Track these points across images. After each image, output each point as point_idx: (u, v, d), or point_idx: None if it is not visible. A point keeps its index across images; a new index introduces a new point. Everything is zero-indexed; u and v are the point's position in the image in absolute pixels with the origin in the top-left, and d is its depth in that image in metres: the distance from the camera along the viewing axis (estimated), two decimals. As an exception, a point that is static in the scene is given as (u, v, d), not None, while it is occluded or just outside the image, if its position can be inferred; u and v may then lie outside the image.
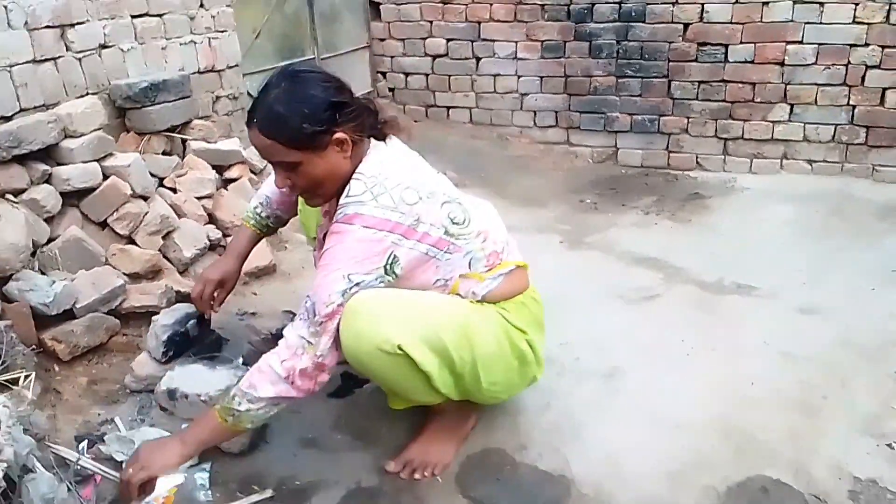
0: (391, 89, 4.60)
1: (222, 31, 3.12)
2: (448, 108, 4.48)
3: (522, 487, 1.67)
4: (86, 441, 1.73)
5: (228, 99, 3.21)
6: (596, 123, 4.09)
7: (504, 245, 1.74)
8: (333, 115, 1.47)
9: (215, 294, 1.91)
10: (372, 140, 1.58)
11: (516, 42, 4.12)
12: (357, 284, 1.47)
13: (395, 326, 1.45)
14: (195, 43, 2.99)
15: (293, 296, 2.46)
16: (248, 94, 3.45)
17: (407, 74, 4.51)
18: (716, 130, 3.85)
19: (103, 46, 2.60)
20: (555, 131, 4.24)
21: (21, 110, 2.32)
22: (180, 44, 2.92)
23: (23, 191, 2.19)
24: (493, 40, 4.17)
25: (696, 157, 3.95)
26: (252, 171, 3.04)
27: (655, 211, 3.41)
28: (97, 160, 2.36)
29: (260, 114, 1.48)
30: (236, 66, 3.26)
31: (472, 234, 1.62)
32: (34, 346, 1.95)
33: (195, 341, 2.02)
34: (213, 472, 1.71)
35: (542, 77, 4.15)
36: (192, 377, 1.77)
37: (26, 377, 1.57)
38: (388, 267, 1.50)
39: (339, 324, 1.48)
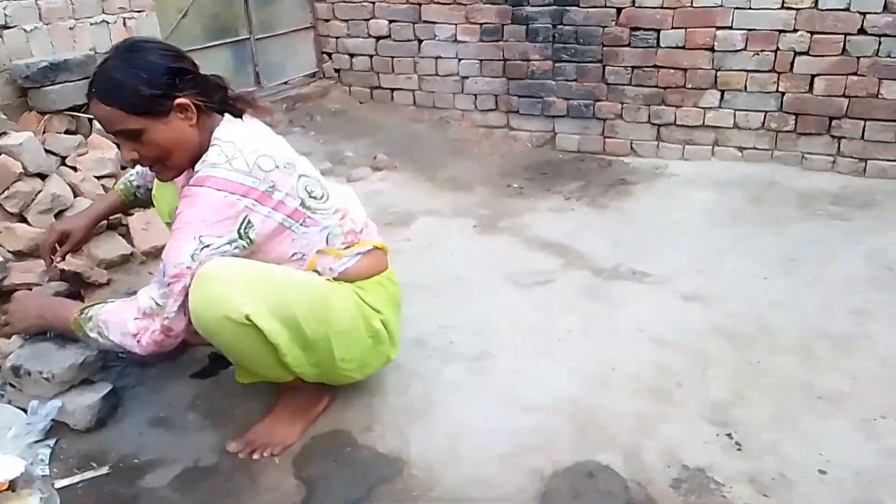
0: (336, 70, 4.59)
1: (139, 11, 3.11)
2: (392, 90, 4.46)
3: (356, 468, 1.69)
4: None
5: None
6: (534, 108, 4.08)
7: (363, 226, 1.77)
8: (173, 80, 1.49)
9: (58, 247, 1.95)
10: (227, 115, 1.60)
11: (456, 25, 4.09)
12: (207, 246, 1.47)
13: (245, 296, 1.46)
14: (108, 23, 2.98)
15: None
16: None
17: (352, 56, 4.49)
18: (649, 116, 3.83)
19: (4, 27, 2.60)
20: (495, 115, 4.22)
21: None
22: (91, 24, 2.92)
23: None
24: (434, 22, 4.14)
25: (631, 143, 3.93)
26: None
27: (577, 196, 3.40)
28: (-13, 138, 2.37)
29: (98, 84, 1.49)
30: (155, 45, 3.24)
31: (329, 210, 1.64)
32: None
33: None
34: (58, 447, 1.74)
35: (481, 60, 4.12)
36: (40, 355, 1.78)
37: None
38: (241, 231, 1.51)
39: (188, 289, 1.49)
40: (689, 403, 1.87)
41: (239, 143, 1.53)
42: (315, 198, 1.62)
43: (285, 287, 1.56)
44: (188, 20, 3.58)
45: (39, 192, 2.44)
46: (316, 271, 1.67)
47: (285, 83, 4.37)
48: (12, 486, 1.57)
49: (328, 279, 1.68)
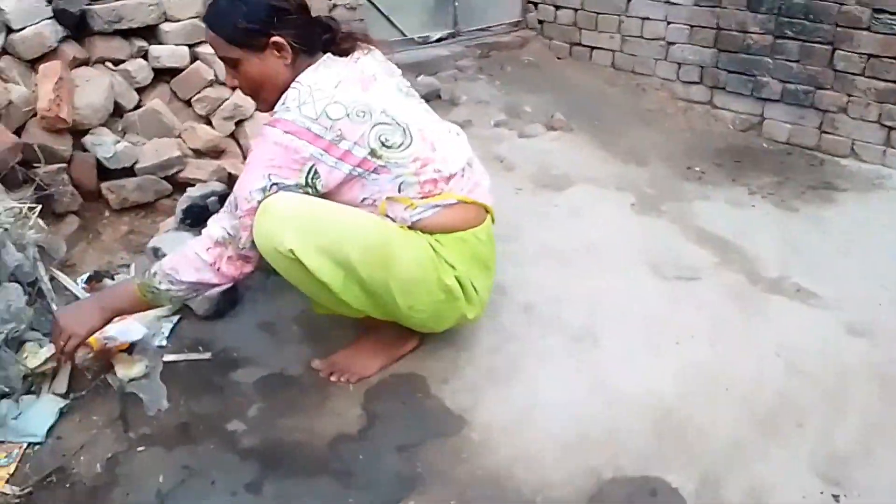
0: (540, 21, 4.45)
1: (350, -59, 3.24)
2: (592, 48, 4.23)
3: (418, 416, 1.69)
4: (88, 274, 2.06)
5: (345, 8, 3.36)
6: (744, 86, 3.64)
7: (451, 177, 1.68)
8: (271, 17, 1.53)
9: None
10: (328, 54, 1.62)
11: (671, -16, 3.75)
12: (276, 185, 1.53)
13: (294, 232, 1.49)
14: (317, -51, 3.13)
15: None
16: (373, 3, 3.58)
17: (557, 7, 4.31)
18: (880, 115, 3.24)
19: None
20: (698, 88, 3.84)
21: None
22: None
23: (122, 61, 2.53)
24: (648, -21, 3.83)
25: (853, 144, 3.37)
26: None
27: (765, 193, 3.01)
28: (189, 45, 2.64)
29: (209, 8, 1.60)
30: (358, -24, 3.38)
31: (405, 159, 1.60)
32: (94, 190, 2.32)
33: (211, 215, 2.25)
34: (178, 326, 1.96)
35: (692, 27, 3.75)
36: (177, 241, 1.99)
37: (31, 209, 1.87)
38: (308, 180, 1.54)
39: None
40: (802, 447, 1.61)
41: (315, 87, 1.53)
42: (388, 146, 1.57)
43: (341, 227, 1.55)
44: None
45: (225, 99, 2.68)
46: (388, 216, 1.65)
47: (483, 29, 4.33)
48: (130, 348, 1.79)
49: (401, 227, 1.65)
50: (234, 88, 1.68)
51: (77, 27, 2.41)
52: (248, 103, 2.73)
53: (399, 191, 1.62)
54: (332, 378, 1.79)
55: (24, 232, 1.75)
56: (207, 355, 1.85)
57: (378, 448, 1.59)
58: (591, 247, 2.49)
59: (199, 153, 2.58)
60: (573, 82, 4.12)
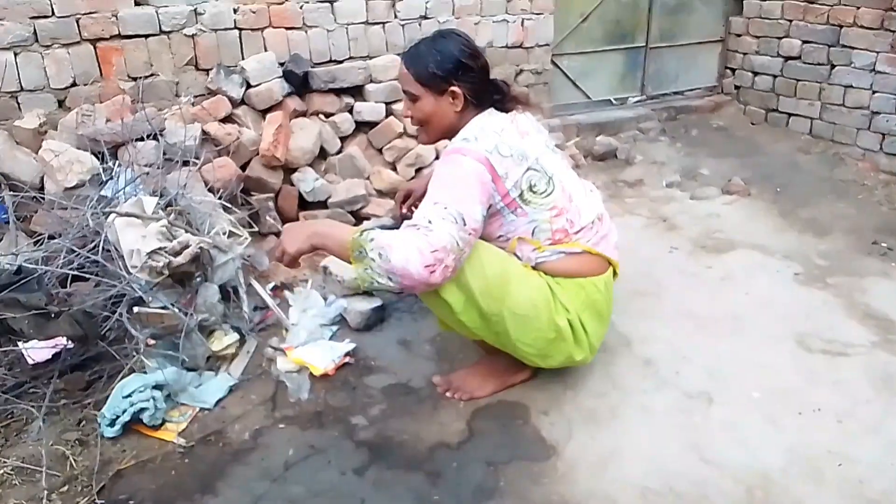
0: (737, 87, 4.41)
1: (538, 14, 3.56)
2: (789, 115, 4.10)
3: (513, 438, 1.84)
4: (274, 284, 2.52)
5: (531, 73, 3.66)
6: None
7: (581, 228, 1.85)
8: (456, 70, 1.77)
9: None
10: (491, 109, 1.86)
11: (878, 53, 3.54)
12: (482, 210, 1.71)
13: None
14: (507, 22, 3.50)
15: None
16: (560, 68, 3.84)
17: (755, 74, 4.25)
18: None
19: (423, 17, 3.31)
20: (905, 161, 3.55)
21: (350, 57, 3.18)
22: (493, 21, 3.47)
23: (332, 114, 3.07)
24: (853, 48, 3.65)
25: None
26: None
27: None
28: (386, 102, 3.11)
29: (410, 50, 1.85)
30: (546, 45, 3.67)
31: (544, 206, 1.79)
32: (293, 217, 2.83)
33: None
34: (336, 334, 2.32)
35: (901, 95, 3.50)
36: (339, 262, 2.37)
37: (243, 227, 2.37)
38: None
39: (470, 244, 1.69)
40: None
41: (484, 129, 1.77)
42: (534, 191, 1.77)
43: (472, 260, 1.72)
44: (588, 24, 3.91)
45: (410, 149, 3.10)
46: (516, 254, 1.84)
47: (676, 93, 4.38)
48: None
49: (525, 265, 1.83)
50: (405, 116, 1.95)
51: (300, 85, 2.98)
52: (427, 153, 3.13)
53: (532, 234, 1.82)
54: (448, 394, 2.01)
55: (234, 246, 2.23)
56: (350, 360, 2.18)
57: (469, 459, 1.77)
58: (736, 313, 2.44)
59: (381, 193, 3.01)
60: (763, 149, 4.00)
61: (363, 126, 3.13)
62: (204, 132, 2.70)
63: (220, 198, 2.50)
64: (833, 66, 3.79)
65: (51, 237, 2.05)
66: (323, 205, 2.87)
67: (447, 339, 2.29)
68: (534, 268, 1.85)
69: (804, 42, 3.90)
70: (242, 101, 2.91)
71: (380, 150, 3.15)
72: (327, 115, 3.06)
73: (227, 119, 2.84)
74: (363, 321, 2.32)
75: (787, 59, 4.02)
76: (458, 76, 1.78)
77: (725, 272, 2.76)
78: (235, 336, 2.15)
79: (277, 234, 2.77)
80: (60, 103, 2.68)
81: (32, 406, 1.81)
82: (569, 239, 1.84)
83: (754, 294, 2.59)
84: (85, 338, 1.75)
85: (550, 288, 1.83)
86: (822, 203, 3.44)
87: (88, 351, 1.80)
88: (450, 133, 1.85)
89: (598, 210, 1.94)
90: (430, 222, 1.66)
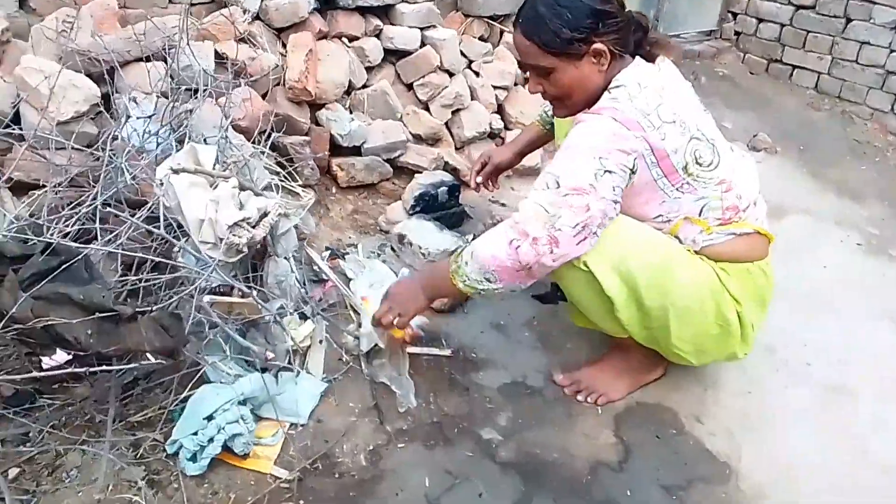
0: (737, 33, 4.21)
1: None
2: (794, 67, 3.97)
3: (678, 454, 1.59)
4: (329, 252, 2.06)
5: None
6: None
7: (749, 204, 1.58)
8: (596, 23, 1.41)
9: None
10: (637, 58, 1.52)
11: (904, 9, 3.44)
12: (608, 172, 1.41)
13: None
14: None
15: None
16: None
17: (760, 21, 4.07)
18: None
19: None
20: (915, 125, 3.53)
21: (376, -31, 2.64)
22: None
23: (356, 38, 2.54)
24: (874, 2, 3.53)
25: None
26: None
27: None
28: (421, 28, 2.62)
29: (524, 15, 1.46)
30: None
31: (713, 180, 1.50)
32: (324, 165, 2.34)
33: (441, 207, 2.22)
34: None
35: (922, 57, 3.44)
36: (422, 231, 1.97)
37: (306, 193, 1.88)
38: (630, 172, 1.44)
39: (588, 207, 1.40)
40: None
41: (643, 85, 1.44)
42: (700, 164, 1.48)
43: (636, 247, 1.48)
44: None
45: (446, 87, 2.65)
46: (677, 237, 1.55)
47: (677, 35, 4.13)
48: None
49: (688, 250, 1.55)
50: (534, 93, 1.57)
51: (326, 1, 2.42)
52: (467, 93, 2.69)
53: (700, 213, 1.52)
54: (580, 397, 1.72)
55: (297, 209, 1.76)
56: (448, 352, 1.81)
57: (640, 482, 1.51)
58: (819, 289, 2.31)
59: (418, 139, 2.56)
60: (772, 101, 3.87)
61: (389, 55, 2.62)
62: (218, 54, 2.12)
63: (252, 142, 1.98)
64: (849, 20, 3.66)
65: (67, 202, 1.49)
66: (356, 151, 2.39)
67: (546, 323, 1.98)
68: (696, 252, 1.56)
69: (822, -9, 3.74)
70: (257, 17, 2.32)
71: (409, 86, 2.67)
72: (350, 40, 2.53)
73: (241, 39, 2.25)
74: (448, 302, 1.94)
75: (800, 7, 3.85)
76: (599, 29, 1.42)
77: (788, 242, 2.59)
78: (309, 323, 1.71)
79: (312, 188, 2.27)
80: (21, 2, 2.00)
81: (89, 441, 1.32)
82: (738, 217, 1.56)
83: (830, 266, 2.46)
84: (174, 350, 1.27)
85: (718, 276, 1.55)
86: (844, 164, 3.38)
87: (178, 368, 1.31)
88: (596, 97, 1.49)
89: (756, 180, 1.67)
90: (557, 185, 1.42)
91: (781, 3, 3.94)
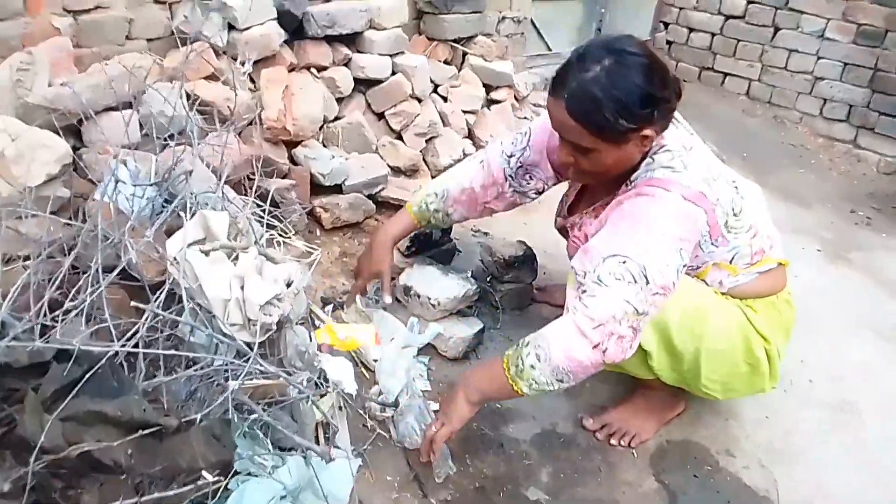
0: (669, 42, 4.34)
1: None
2: (725, 74, 4.14)
3: (720, 493, 1.60)
4: (327, 303, 1.94)
5: (513, 21, 3.23)
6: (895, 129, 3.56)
7: (771, 241, 1.59)
8: (651, 112, 1.32)
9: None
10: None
11: (828, 20, 3.64)
12: (685, 265, 1.37)
13: None
14: (500, -40, 3.01)
15: (524, 227, 2.48)
16: (532, 22, 3.45)
17: (691, 30, 4.21)
18: None
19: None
20: (842, 127, 3.76)
21: (340, -6, 2.51)
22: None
23: (325, 68, 2.40)
24: (802, 12, 3.73)
25: None
26: (516, 98, 3.08)
27: (943, 246, 2.94)
28: (391, 55, 2.52)
29: (573, 90, 1.31)
30: (528, -13, 3.25)
31: (743, 229, 1.49)
32: (305, 208, 2.20)
33: (435, 244, 2.14)
34: (429, 368, 1.84)
35: (846, 64, 3.66)
36: (427, 279, 1.89)
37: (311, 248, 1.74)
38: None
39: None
40: None
41: (687, 146, 1.42)
42: (736, 215, 1.46)
43: None
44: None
45: (418, 115, 2.56)
46: (704, 281, 1.55)
47: (617, 46, 4.21)
48: (396, 402, 1.67)
49: (715, 291, 1.56)
50: (566, 164, 1.46)
51: (294, 31, 2.28)
52: (439, 120, 2.62)
53: (731, 261, 1.52)
54: (612, 441, 1.69)
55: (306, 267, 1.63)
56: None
57: (695, 529, 1.50)
58: (798, 301, 2.37)
59: (396, 171, 2.46)
60: (709, 109, 4.01)
61: (360, 84, 2.51)
62: (189, 95, 1.95)
63: (240, 192, 1.83)
64: (778, 29, 3.85)
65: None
66: (337, 189, 2.26)
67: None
68: (723, 293, 1.57)
69: (750, 2, 3.90)
70: (224, 50, 2.15)
71: (380, 116, 2.56)
72: (319, 70, 2.40)
73: (210, 77, 2.08)
74: (464, 349, 1.87)
75: (729, 17, 4.02)
76: (654, 118, 1.33)
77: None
78: (331, 393, 1.59)
79: (299, 234, 2.13)
80: (-37, 49, 1.75)
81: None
82: (764, 256, 1.57)
83: (800, 276, 2.55)
84: (230, 462, 1.13)
85: (745, 315, 1.57)
86: (784, 170, 3.55)
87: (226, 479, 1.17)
88: (629, 172, 1.45)
89: (766, 207, 1.68)
90: (598, 281, 1.32)
91: (712, 13, 4.09)
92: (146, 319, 1.22)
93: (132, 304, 1.20)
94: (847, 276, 2.63)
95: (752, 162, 3.52)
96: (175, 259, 1.31)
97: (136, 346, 1.18)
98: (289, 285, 1.40)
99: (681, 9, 4.23)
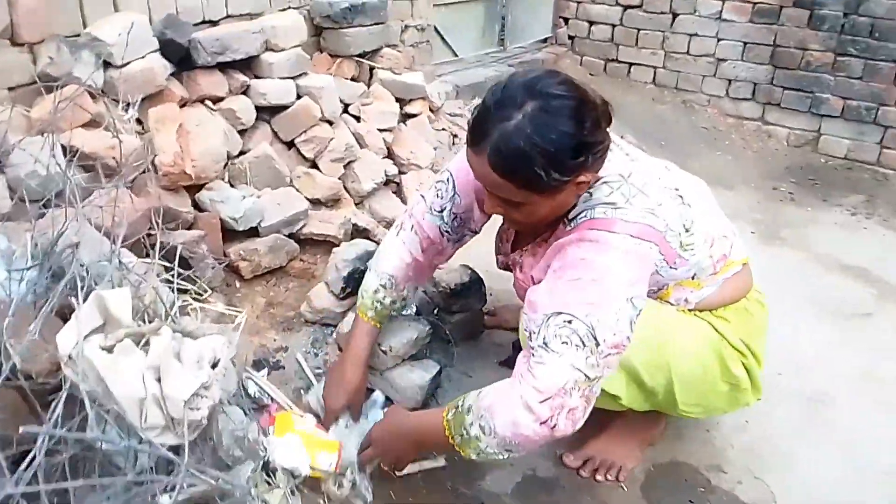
0: (571, 37, 4.30)
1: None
2: (630, 64, 4.13)
3: (719, 515, 1.49)
4: (260, 366, 1.71)
5: (416, 30, 3.07)
6: (801, 103, 3.63)
7: (729, 241, 1.46)
8: (585, 159, 1.17)
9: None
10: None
11: (724, 1, 3.69)
12: (639, 313, 1.22)
13: None
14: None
15: (469, 251, 2.31)
16: (435, 28, 3.31)
17: (591, 23, 4.18)
18: (948, 132, 3.32)
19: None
20: (749, 105, 3.81)
21: (227, 16, 2.27)
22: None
23: (221, 99, 2.16)
24: (697, -4, 3.77)
25: (916, 159, 3.44)
26: (431, 109, 2.91)
27: (864, 213, 3.00)
28: (293, 77, 2.30)
29: (495, 143, 1.15)
30: (429, -7, 3.10)
31: (698, 243, 1.34)
32: (220, 261, 1.94)
33: (372, 282, 1.93)
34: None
35: (746, 43, 3.71)
36: (398, 329, 1.68)
37: (234, 310, 1.51)
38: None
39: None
40: None
41: (626, 173, 1.27)
42: (688, 230, 1.32)
43: None
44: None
45: (332, 139, 2.35)
46: (669, 302, 1.43)
47: (521, 47, 4.13)
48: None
49: (681, 310, 1.43)
50: (496, 214, 1.33)
51: (181, 61, 2.02)
52: (354, 143, 2.41)
53: (692, 277, 1.40)
54: (598, 477, 1.55)
55: (231, 334, 1.39)
56: (442, 462, 1.55)
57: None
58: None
59: (315, 203, 2.24)
60: (620, 101, 3.96)
61: (262, 112, 2.27)
62: (65, 149, 1.67)
63: (140, 255, 1.57)
64: (676, 15, 3.87)
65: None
66: (253, 232, 2.02)
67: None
68: (690, 310, 1.45)
69: (645, -9, 3.92)
70: (102, 92, 1.87)
71: (290, 144, 2.33)
72: (215, 101, 2.15)
73: (88, 124, 1.80)
74: (422, 396, 1.68)
75: (627, 7, 4.01)
76: (587, 164, 1.19)
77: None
78: (282, 480, 1.36)
79: (214, 290, 1.88)
80: None
81: None
82: (726, 260, 1.45)
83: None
84: None
85: (716, 329, 1.44)
86: (702, 154, 3.56)
87: None
88: (565, 215, 1.31)
89: (713, 200, 1.53)
90: (544, 345, 1.17)
91: (610, 5, 4.08)
92: (43, 443, 0.96)
93: (21, 428, 0.94)
94: (784, 255, 2.62)
95: (671, 150, 3.51)
96: (69, 357, 1.06)
97: (34, 475, 0.93)
98: (214, 366, 1.17)
99: (579, 3, 4.19)
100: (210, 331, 1.31)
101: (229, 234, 1.98)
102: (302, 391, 1.69)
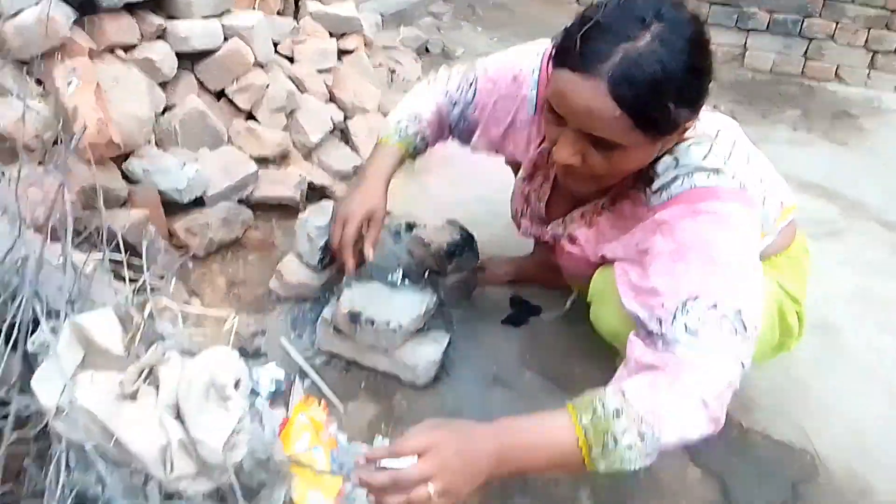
0: (489, -43, 4.04)
1: None
2: (554, -16, 3.95)
3: (761, 460, 1.43)
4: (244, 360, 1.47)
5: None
6: (728, 18, 3.59)
7: (784, 187, 1.35)
8: (705, 95, 1.02)
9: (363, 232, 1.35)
10: None
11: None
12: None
13: None
14: None
15: (428, 199, 2.12)
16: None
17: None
18: (866, 40, 3.39)
19: None
20: (676, 23, 3.74)
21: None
22: None
23: (133, 47, 1.80)
24: None
25: (837, 68, 3.50)
26: (365, 44, 2.62)
27: (805, 128, 3.02)
28: (217, 16, 1.95)
29: (617, 65, 0.94)
30: None
31: (768, 194, 1.23)
32: (166, 238, 1.66)
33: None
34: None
35: (673, -43, 3.60)
36: (376, 299, 1.48)
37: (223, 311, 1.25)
38: None
39: None
40: None
41: (715, 134, 1.12)
42: (762, 181, 1.22)
43: None
44: None
45: (268, 86, 2.04)
46: None
47: (440, -33, 3.83)
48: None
49: None
50: (567, 163, 1.07)
51: (82, 5, 1.65)
52: (294, 89, 2.12)
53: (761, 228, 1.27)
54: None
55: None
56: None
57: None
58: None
59: (262, 161, 1.95)
60: (551, 22, 3.79)
61: (184, 59, 1.92)
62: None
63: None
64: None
65: None
66: (198, 203, 1.73)
67: (538, 354, 1.66)
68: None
69: None
70: (-12, 46, 1.49)
71: (219, 95, 2.01)
72: (126, 50, 1.79)
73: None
74: (435, 371, 1.51)
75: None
76: (702, 102, 1.04)
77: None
78: None
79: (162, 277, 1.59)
80: None
81: None
82: (784, 208, 1.33)
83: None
84: None
85: (778, 284, 1.34)
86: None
87: None
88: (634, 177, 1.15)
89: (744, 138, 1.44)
90: (690, 333, 1.00)
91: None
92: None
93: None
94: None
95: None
96: (60, 410, 0.80)
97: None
98: (237, 385, 0.95)
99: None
100: (198, 337, 1.07)
101: (171, 207, 1.68)
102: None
